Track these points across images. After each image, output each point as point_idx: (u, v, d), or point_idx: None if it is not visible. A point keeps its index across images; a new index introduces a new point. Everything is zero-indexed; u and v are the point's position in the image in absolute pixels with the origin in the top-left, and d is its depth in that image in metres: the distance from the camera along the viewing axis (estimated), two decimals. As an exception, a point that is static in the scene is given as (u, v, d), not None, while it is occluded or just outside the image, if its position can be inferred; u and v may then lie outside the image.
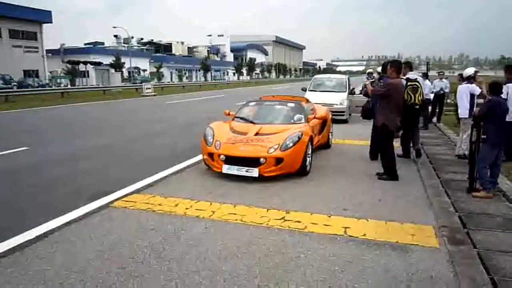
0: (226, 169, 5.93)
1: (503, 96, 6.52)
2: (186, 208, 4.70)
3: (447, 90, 12.68)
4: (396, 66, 6.17)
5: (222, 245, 3.73)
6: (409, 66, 7.75)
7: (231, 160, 5.94)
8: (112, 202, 4.93)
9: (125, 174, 6.36)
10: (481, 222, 4.33)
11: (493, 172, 5.32)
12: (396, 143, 7.07)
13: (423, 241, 3.82)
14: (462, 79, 8.04)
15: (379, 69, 8.24)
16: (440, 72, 13.49)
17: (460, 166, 6.80)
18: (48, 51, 50.09)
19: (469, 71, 7.66)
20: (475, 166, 5.35)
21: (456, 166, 6.84)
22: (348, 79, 14.74)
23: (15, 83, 36.47)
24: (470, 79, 7.49)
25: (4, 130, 12.32)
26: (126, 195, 5.18)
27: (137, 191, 5.36)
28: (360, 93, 12.98)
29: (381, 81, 7.56)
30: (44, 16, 47.10)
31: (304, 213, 4.54)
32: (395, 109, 6.10)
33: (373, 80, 7.31)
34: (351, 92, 13.52)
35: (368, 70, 14.58)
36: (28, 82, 38.76)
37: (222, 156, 6.00)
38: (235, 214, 4.53)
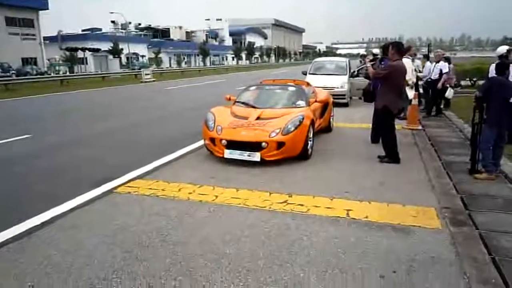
0: (228, 154, 5.94)
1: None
2: (189, 193, 4.73)
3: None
4: (397, 47, 6.12)
5: (226, 228, 3.76)
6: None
7: (233, 144, 5.94)
8: (115, 187, 4.96)
9: (128, 160, 6.38)
10: (483, 204, 4.36)
11: (495, 154, 5.31)
12: (398, 125, 7.07)
13: (425, 222, 3.85)
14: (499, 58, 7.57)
15: (375, 50, 8.14)
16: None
17: (462, 148, 6.81)
18: (45, 38, 49.63)
19: (502, 49, 7.42)
20: (476, 148, 5.35)
21: (457, 148, 6.85)
22: (349, 62, 14.63)
23: (13, 71, 36.27)
24: (503, 57, 7.21)
25: (6, 118, 12.32)
26: (129, 181, 5.21)
27: (140, 177, 5.39)
28: (358, 75, 12.89)
29: (382, 63, 7.52)
30: (40, 3, 46.56)
31: (306, 196, 4.57)
32: (396, 91, 6.07)
33: (373, 62, 7.24)
34: (352, 75, 13.44)
35: (361, 53, 14.43)
36: (27, 70, 38.58)
37: (223, 141, 6.01)
38: (238, 198, 4.56)
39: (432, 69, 10.03)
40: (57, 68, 45.60)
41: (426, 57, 11.71)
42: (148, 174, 5.52)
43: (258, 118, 6.36)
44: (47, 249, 3.38)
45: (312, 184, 5.05)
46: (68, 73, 40.57)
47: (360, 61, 12.34)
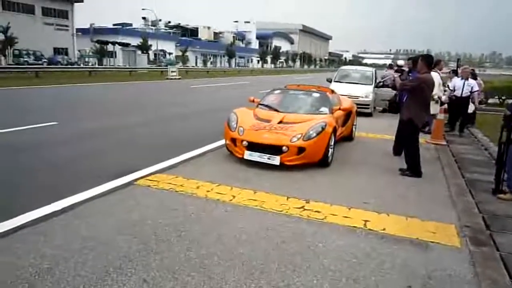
0: (248, 155, 5.96)
1: None
2: (207, 191, 4.76)
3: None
4: (427, 60, 6.03)
5: (241, 229, 3.77)
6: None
7: (254, 146, 5.96)
8: (135, 180, 5.03)
9: (149, 154, 6.47)
10: (505, 225, 4.24)
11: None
12: (422, 139, 6.96)
13: (444, 239, 3.77)
14: None
15: (400, 62, 8.03)
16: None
17: (486, 167, 6.64)
18: (78, 30, 51.00)
19: None
20: (502, 167, 5.22)
21: (482, 167, 6.69)
22: (375, 71, 14.49)
23: (45, 60, 37.36)
24: None
25: (35, 105, 12.67)
26: (149, 174, 5.28)
27: (160, 171, 5.45)
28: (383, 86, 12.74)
29: (410, 74, 7.42)
30: (76, -5, 47.83)
31: (324, 204, 4.53)
32: (422, 104, 5.98)
33: (401, 73, 7.15)
34: (377, 85, 13.31)
35: (389, 63, 14.28)
36: (58, 60, 39.67)
37: (244, 142, 6.03)
38: (255, 200, 4.56)
39: (462, 87, 9.81)
40: (86, 59, 46.70)
41: (455, 73, 11.45)
42: (168, 169, 5.58)
43: (280, 122, 6.35)
44: (66, 235, 3.46)
45: (330, 192, 5.02)
46: (97, 65, 41.48)
47: (386, 70, 12.22)
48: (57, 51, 45.54)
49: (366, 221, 4.11)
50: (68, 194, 4.37)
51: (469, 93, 9.84)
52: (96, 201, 4.29)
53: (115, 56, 51.15)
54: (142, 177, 5.14)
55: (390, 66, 13.19)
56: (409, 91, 6.09)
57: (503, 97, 17.53)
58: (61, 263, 3.00)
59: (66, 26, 48.24)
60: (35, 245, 3.25)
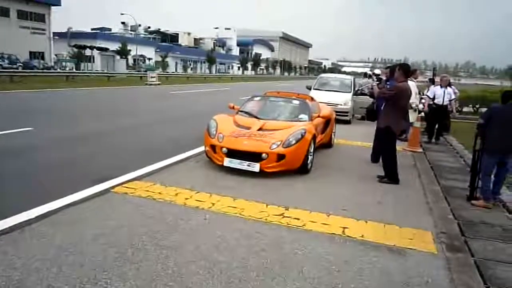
0: (227, 162, 5.92)
1: None
2: (186, 198, 4.70)
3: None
4: (404, 69, 6.15)
5: (220, 237, 3.73)
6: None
7: (233, 153, 5.93)
8: (112, 187, 4.92)
9: (126, 161, 6.36)
10: (479, 231, 4.34)
11: (496, 182, 5.31)
12: (399, 146, 7.07)
13: (421, 246, 3.82)
14: None
15: (377, 71, 8.17)
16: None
17: (461, 173, 6.79)
18: (55, 34, 50.04)
19: None
20: (476, 175, 5.34)
21: (457, 174, 6.84)
22: (354, 79, 14.70)
23: (20, 64, 36.44)
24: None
25: (9, 110, 12.31)
26: (126, 182, 5.18)
27: (138, 179, 5.36)
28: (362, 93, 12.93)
29: (387, 83, 7.54)
30: (53, -1, 47.01)
31: (303, 211, 4.54)
32: (400, 112, 6.09)
33: (379, 82, 7.26)
34: (356, 93, 13.50)
35: (369, 72, 14.52)
36: (34, 64, 38.74)
37: (224, 149, 5.99)
38: (234, 207, 4.53)
39: (443, 95, 10.03)
40: (63, 64, 45.82)
41: (432, 81, 11.72)
42: (145, 177, 5.49)
43: (260, 129, 6.36)
44: (39, 244, 3.35)
45: (309, 199, 5.03)
46: (74, 70, 40.76)
47: (369, 76, 12.43)
48: (33, 55, 44.55)
49: (344, 228, 4.13)
50: (42, 202, 4.24)
51: (448, 101, 10.10)
52: (71, 209, 4.18)
53: (93, 61, 50.42)
54: (119, 185, 5.04)
55: (365, 75, 13.44)
56: (386, 99, 6.19)
57: (477, 106, 18.04)
58: (33, 274, 2.89)
59: (43, 29, 47.26)
60: (6, 255, 3.13)
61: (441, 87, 10.14)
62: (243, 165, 5.84)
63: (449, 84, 10.61)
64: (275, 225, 4.10)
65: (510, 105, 5.17)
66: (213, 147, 6.17)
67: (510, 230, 4.44)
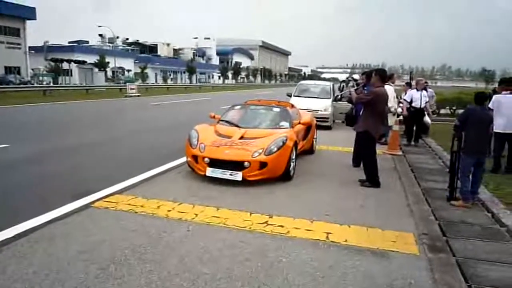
0: (210, 172, 5.90)
1: (490, 106, 6.75)
2: (169, 210, 4.66)
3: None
4: (380, 74, 6.27)
5: (204, 248, 3.71)
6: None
7: (215, 163, 5.91)
8: (92, 202, 4.85)
9: (106, 175, 6.27)
10: (460, 231, 4.41)
11: (474, 182, 5.42)
12: (379, 150, 7.17)
13: (404, 248, 3.87)
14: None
15: (355, 76, 8.29)
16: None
17: (440, 175, 6.92)
18: (31, 48, 49.22)
19: None
20: (455, 175, 5.45)
21: (436, 175, 6.96)
22: (333, 86, 14.89)
23: (-5, 79, 35.68)
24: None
25: (-18, 127, 12.02)
26: (107, 196, 5.10)
27: (119, 192, 5.29)
28: (341, 98, 13.09)
29: (364, 88, 7.66)
30: (28, 13, 46.34)
31: (287, 218, 4.54)
32: (377, 116, 6.19)
33: (357, 87, 7.38)
34: (336, 99, 13.66)
35: (349, 78, 14.74)
36: (10, 79, 38.02)
37: (206, 159, 5.97)
38: (218, 217, 4.51)
39: (420, 98, 10.24)
40: (41, 78, 45.07)
41: (409, 85, 11.97)
42: (126, 190, 5.42)
43: (241, 137, 6.36)
44: (18, 263, 3.26)
45: (293, 206, 5.04)
46: (52, 84, 40.09)
47: (347, 84, 12.62)
48: (8, 70, 43.69)
49: (328, 233, 4.15)
50: (19, 220, 4.14)
51: (425, 104, 10.32)
52: (51, 226, 4.09)
53: (71, 74, 49.66)
54: (99, 199, 4.96)
55: (352, 80, 13.65)
56: (364, 104, 6.29)
57: (453, 108, 18.44)
58: (12, 295, 2.82)
59: (18, 44, 46.43)
60: (-17, 277, 3.04)
61: (417, 90, 10.35)
62: (226, 174, 5.82)
63: (425, 88, 10.85)
64: (259, 233, 4.10)
65: (483, 106, 5.32)
66: (195, 157, 6.14)
67: (489, 228, 4.53)
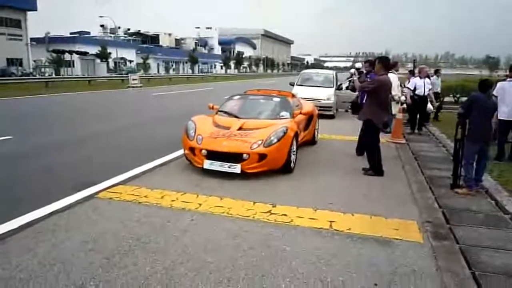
0: (208, 164, 5.76)
1: (494, 93, 6.71)
2: (172, 200, 4.67)
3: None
4: (384, 62, 6.21)
5: (208, 237, 3.72)
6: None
7: (213, 155, 5.77)
8: (97, 193, 4.87)
9: (110, 166, 6.28)
10: (463, 218, 4.41)
11: (478, 170, 5.41)
12: (382, 139, 7.14)
13: (407, 236, 3.87)
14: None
15: (358, 64, 8.19)
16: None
17: (444, 163, 6.90)
18: (32, 39, 49.09)
19: None
20: (459, 163, 5.43)
21: (440, 163, 6.94)
22: (336, 74, 14.80)
23: (-3, 71, 35.71)
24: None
25: (-15, 119, 12.06)
26: (111, 186, 5.12)
27: (123, 183, 5.30)
28: (347, 89, 13.02)
29: (368, 76, 7.61)
30: (28, 4, 46.12)
31: (290, 207, 4.55)
32: (381, 105, 6.14)
33: (359, 76, 7.30)
34: (339, 88, 13.60)
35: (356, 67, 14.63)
36: (12, 71, 38.07)
37: (203, 151, 5.84)
38: (221, 206, 4.52)
39: (424, 85, 10.17)
40: (43, 69, 45.07)
41: (412, 73, 11.89)
42: (130, 180, 5.43)
43: (240, 128, 6.20)
44: (23, 254, 3.29)
45: (296, 195, 5.05)
46: (54, 75, 40.07)
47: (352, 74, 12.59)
48: (10, 61, 43.67)
49: (331, 221, 4.16)
50: (24, 210, 4.17)
51: (428, 92, 10.26)
52: (55, 217, 4.11)
53: (73, 66, 49.70)
54: (104, 190, 4.98)
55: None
56: (367, 92, 6.24)
57: (457, 95, 18.32)
58: (18, 285, 2.84)
59: (20, 35, 46.31)
60: (-11, 267, 3.07)
61: (420, 78, 10.28)
62: (224, 167, 5.69)
63: (430, 76, 10.82)
64: (262, 222, 4.11)
65: (487, 93, 5.28)
66: (192, 149, 6.01)
67: (492, 216, 4.53)
